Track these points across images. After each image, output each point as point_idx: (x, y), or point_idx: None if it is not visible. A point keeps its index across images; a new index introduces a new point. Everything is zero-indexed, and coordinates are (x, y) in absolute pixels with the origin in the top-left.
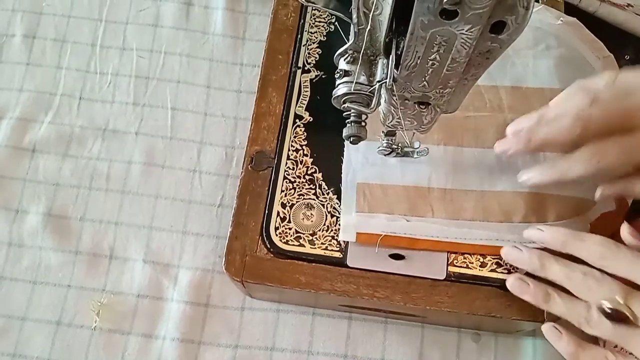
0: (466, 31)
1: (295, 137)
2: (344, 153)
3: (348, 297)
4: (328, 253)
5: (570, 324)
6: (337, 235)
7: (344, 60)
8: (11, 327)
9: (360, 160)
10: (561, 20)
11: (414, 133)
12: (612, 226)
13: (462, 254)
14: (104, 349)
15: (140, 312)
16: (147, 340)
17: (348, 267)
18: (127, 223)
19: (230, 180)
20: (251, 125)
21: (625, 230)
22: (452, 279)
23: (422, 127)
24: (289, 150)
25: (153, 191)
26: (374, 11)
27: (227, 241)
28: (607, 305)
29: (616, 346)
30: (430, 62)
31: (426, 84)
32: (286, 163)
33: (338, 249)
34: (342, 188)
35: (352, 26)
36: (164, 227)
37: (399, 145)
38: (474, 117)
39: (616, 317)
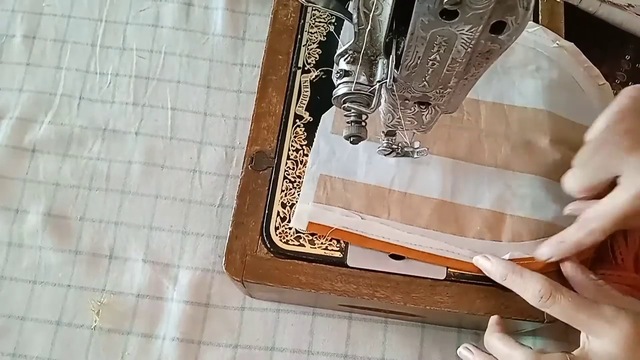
0: (466, 31)
1: (295, 137)
2: (314, 142)
3: (348, 297)
4: (328, 253)
5: None
6: None
7: (344, 60)
8: (11, 327)
9: (327, 152)
10: (557, 44)
11: (414, 133)
12: (579, 255)
13: None
14: (104, 349)
15: (140, 312)
16: (147, 340)
17: (348, 267)
18: (127, 223)
19: (230, 180)
20: (251, 125)
21: (568, 265)
22: (452, 279)
23: (422, 127)
24: (289, 150)
25: (153, 191)
26: (374, 11)
27: (227, 241)
28: None
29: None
30: (431, 62)
31: (426, 84)
32: (286, 163)
33: (338, 248)
34: (304, 176)
35: (352, 26)
36: (164, 227)
37: (399, 145)
38: (449, 128)
39: None
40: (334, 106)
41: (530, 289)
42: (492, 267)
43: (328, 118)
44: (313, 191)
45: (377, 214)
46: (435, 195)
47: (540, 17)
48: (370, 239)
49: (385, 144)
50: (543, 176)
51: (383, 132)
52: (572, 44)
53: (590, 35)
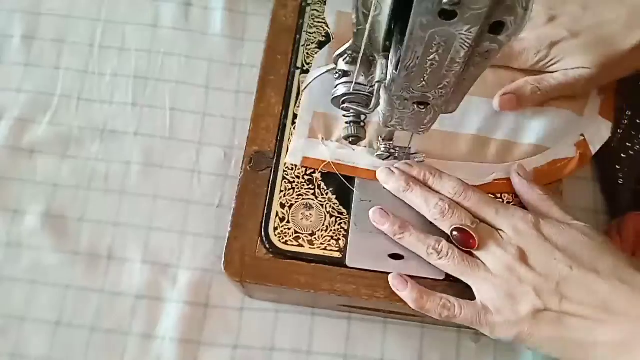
0: (465, 32)
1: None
2: (305, 80)
3: (348, 297)
4: (327, 253)
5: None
6: (337, 235)
7: (343, 60)
8: (10, 327)
9: (320, 90)
10: None
11: (412, 135)
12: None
13: None
14: (103, 349)
15: (139, 312)
16: (146, 340)
17: (347, 267)
18: (125, 223)
19: (229, 180)
20: (250, 125)
21: (515, 178)
22: (452, 279)
23: (421, 127)
24: (288, 150)
25: (152, 191)
26: (373, 12)
27: (226, 241)
28: (456, 225)
29: None
30: (429, 62)
31: (425, 84)
32: (285, 163)
33: (337, 249)
34: (298, 113)
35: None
36: (163, 227)
37: (396, 149)
38: None
39: (463, 241)
40: (327, 46)
41: (445, 186)
42: (391, 180)
43: (321, 57)
44: (307, 127)
45: (368, 145)
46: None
47: None
48: (361, 169)
49: (383, 149)
50: None
51: (381, 136)
52: None
53: None
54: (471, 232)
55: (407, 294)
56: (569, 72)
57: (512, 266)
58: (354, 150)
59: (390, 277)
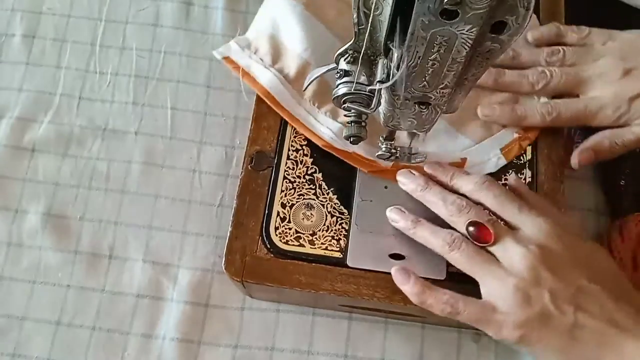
0: (466, 31)
1: (295, 137)
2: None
3: (348, 297)
4: (328, 253)
5: None
6: (338, 235)
7: (344, 60)
8: (11, 327)
9: (282, 21)
10: None
11: (414, 135)
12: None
13: None
14: (103, 349)
15: (140, 312)
16: (147, 340)
17: (348, 267)
18: (126, 223)
19: (230, 180)
20: (251, 125)
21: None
22: (454, 279)
23: (422, 127)
24: (289, 150)
25: (153, 191)
26: (374, 11)
27: (227, 241)
28: (473, 220)
29: None
30: (431, 62)
31: (426, 84)
32: (286, 163)
33: (338, 249)
34: (251, 26)
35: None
36: (164, 227)
37: (398, 149)
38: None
39: (478, 235)
40: None
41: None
42: (409, 180)
43: None
44: (255, 39)
45: (282, 72)
46: None
47: (540, 16)
48: (268, 94)
49: (384, 148)
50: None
51: (382, 136)
52: None
53: None
54: (487, 225)
55: (408, 288)
56: None
57: (532, 266)
58: (273, 73)
59: (392, 270)
